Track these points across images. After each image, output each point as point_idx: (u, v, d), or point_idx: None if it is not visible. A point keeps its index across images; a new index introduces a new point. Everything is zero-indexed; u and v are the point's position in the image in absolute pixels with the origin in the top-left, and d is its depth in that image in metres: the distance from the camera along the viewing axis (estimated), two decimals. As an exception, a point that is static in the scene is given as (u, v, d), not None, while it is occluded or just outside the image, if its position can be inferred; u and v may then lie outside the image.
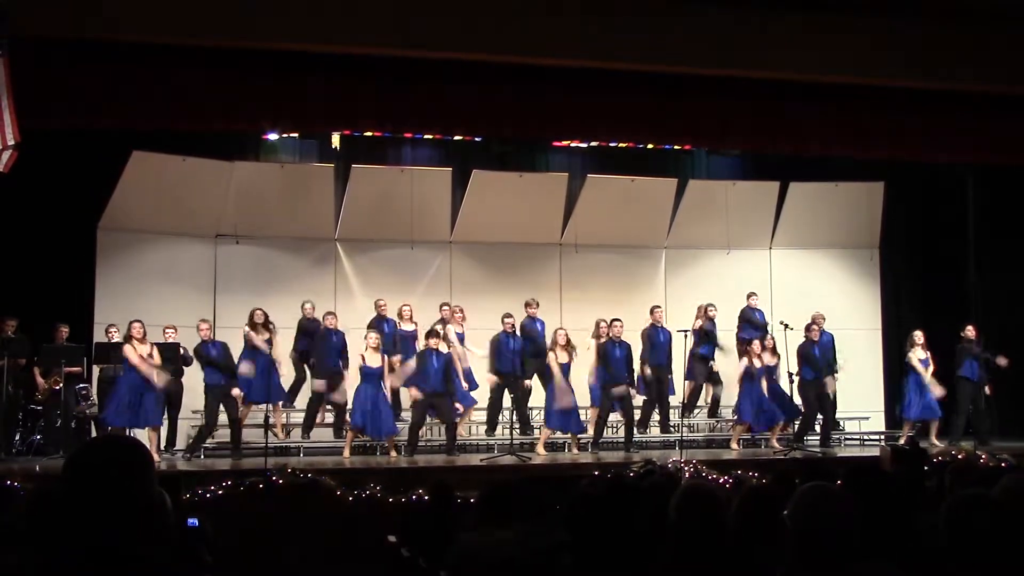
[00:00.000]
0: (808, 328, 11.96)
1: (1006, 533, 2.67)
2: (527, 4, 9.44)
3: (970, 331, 12.25)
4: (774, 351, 11.93)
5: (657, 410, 12.18)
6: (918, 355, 12.03)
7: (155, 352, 10.36)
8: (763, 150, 13.06)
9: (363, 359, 10.88)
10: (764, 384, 11.73)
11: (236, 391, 10.75)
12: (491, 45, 9.33)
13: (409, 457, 10.73)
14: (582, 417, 11.48)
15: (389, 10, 9.12)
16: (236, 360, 10.95)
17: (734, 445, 11.81)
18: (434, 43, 9.21)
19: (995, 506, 2.75)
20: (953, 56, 10.06)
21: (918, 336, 12.13)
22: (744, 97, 10.29)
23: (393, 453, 10.86)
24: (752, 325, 12.60)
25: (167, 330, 10.77)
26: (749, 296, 12.86)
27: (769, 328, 12.31)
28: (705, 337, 12.36)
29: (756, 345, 11.82)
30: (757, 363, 11.75)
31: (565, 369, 11.13)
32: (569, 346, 11.20)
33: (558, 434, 11.47)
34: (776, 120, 10.65)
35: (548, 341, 11.46)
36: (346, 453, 10.95)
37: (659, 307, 12.39)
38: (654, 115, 10.43)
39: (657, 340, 12.04)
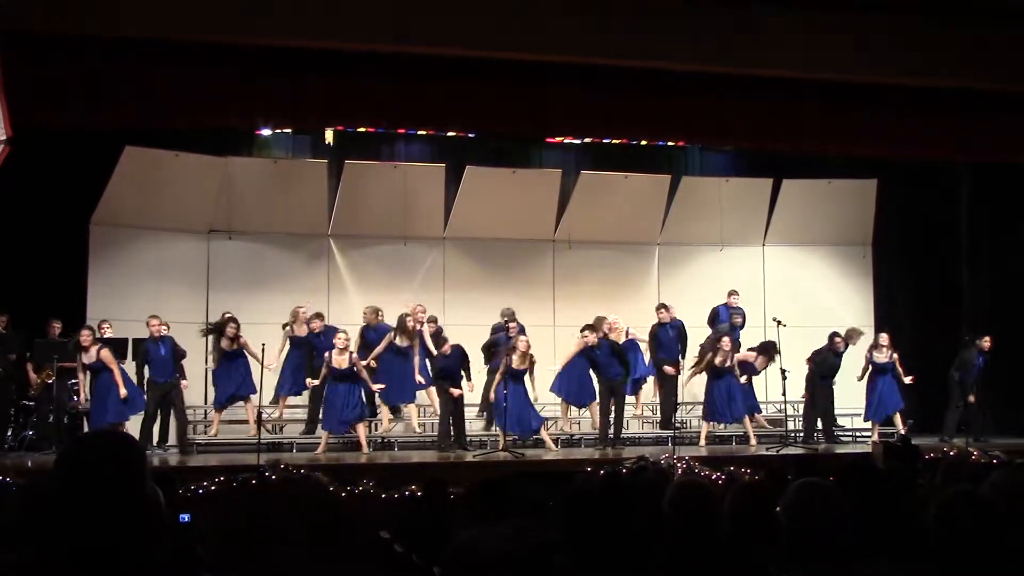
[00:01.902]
0: (834, 340, 11.83)
1: (995, 529, 2.68)
2: (526, 3, 9.42)
3: (986, 342, 12.04)
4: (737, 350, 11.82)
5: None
6: (882, 355, 11.76)
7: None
8: (762, 148, 13.04)
9: (330, 358, 10.49)
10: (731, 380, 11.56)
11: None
12: (489, 42, 9.30)
13: (455, 452, 10.57)
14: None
15: (388, 7, 9.10)
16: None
17: (702, 442, 11.73)
18: (432, 40, 9.20)
19: (984, 502, 2.76)
20: (953, 56, 10.05)
21: (883, 338, 11.96)
22: (743, 95, 10.27)
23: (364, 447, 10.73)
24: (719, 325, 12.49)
25: (160, 326, 10.77)
26: (729, 295, 12.77)
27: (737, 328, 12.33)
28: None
29: (725, 341, 11.60)
30: (720, 359, 11.46)
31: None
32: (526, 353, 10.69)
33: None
34: (775, 118, 10.61)
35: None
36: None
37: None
38: (652, 112, 10.41)
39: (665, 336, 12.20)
